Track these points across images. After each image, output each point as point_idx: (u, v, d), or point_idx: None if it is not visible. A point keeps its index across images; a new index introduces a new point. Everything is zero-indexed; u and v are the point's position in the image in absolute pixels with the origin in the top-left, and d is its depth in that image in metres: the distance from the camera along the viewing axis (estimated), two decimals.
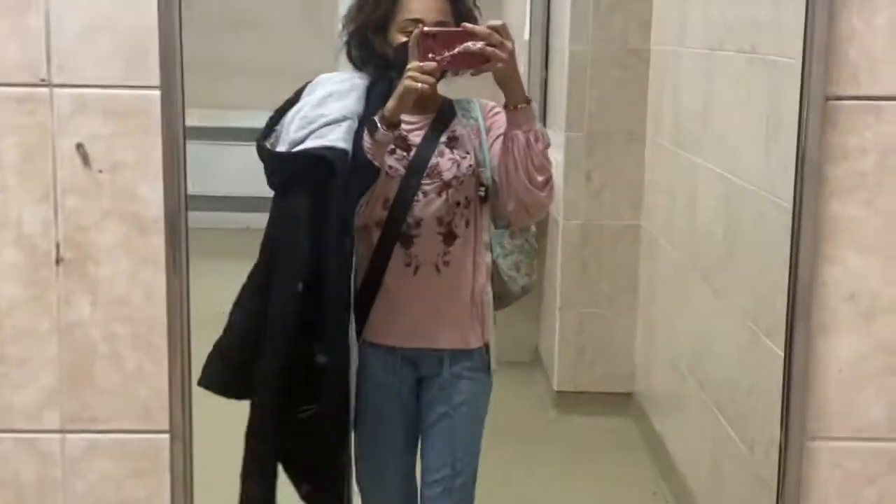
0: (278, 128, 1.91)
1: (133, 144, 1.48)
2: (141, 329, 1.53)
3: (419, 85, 1.78)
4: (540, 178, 1.87)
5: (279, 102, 1.98)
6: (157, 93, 1.46)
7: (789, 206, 2.22)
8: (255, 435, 1.87)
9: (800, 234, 1.52)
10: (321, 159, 1.80)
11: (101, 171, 1.48)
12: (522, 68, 3.01)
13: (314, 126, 1.84)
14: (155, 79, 1.46)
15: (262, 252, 1.91)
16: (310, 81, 1.95)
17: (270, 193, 1.92)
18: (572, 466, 3.33)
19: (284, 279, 1.84)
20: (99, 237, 1.50)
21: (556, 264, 3.78)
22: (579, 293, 3.71)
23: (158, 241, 1.50)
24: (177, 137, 1.47)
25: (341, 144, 1.80)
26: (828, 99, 1.48)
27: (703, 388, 2.88)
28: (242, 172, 2.30)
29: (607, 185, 3.67)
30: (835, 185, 1.51)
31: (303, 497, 1.91)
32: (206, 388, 1.84)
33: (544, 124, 3.94)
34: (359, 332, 1.94)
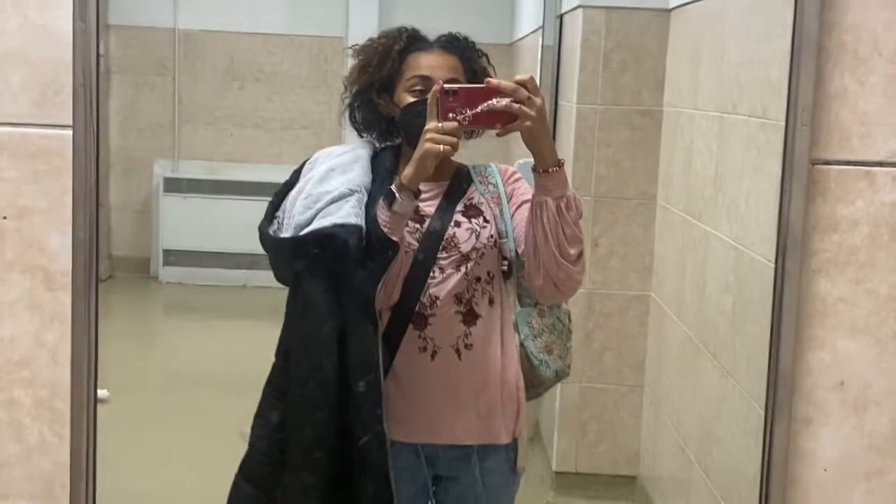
0: (279, 213, 1.79)
1: (43, 189, 1.41)
2: (43, 397, 1.44)
3: (441, 147, 1.62)
4: (572, 251, 1.72)
5: (282, 157, 1.88)
6: (68, 131, 1.40)
7: None
8: None
9: (781, 315, 1.43)
10: (332, 237, 1.66)
11: (4, 218, 1.41)
12: None
13: (320, 205, 1.71)
14: (68, 117, 1.39)
15: (277, 355, 1.78)
16: (307, 160, 1.83)
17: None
18: None
19: (308, 381, 1.71)
20: (0, 291, 1.43)
21: None
22: (583, 366, 3.61)
23: (66, 297, 1.42)
24: (90, 182, 1.40)
25: (353, 220, 1.67)
26: (814, 163, 1.42)
27: (709, 476, 2.77)
28: (242, 226, 2.19)
29: (615, 251, 3.59)
30: (820, 261, 1.45)
31: None
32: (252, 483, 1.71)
33: None
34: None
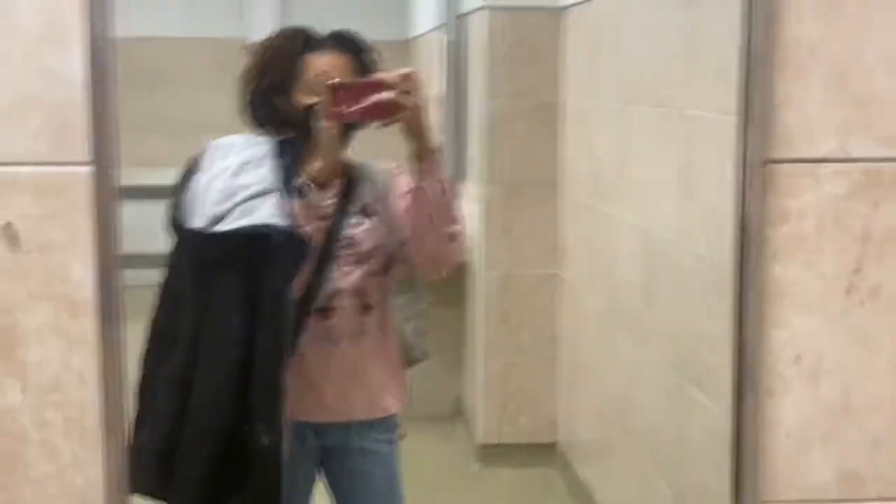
0: (187, 199, 1.80)
1: (63, 223, 1.42)
2: (74, 416, 1.45)
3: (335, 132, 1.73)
4: (450, 230, 1.82)
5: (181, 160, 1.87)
6: (87, 169, 1.40)
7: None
8: None
9: (742, 299, 1.50)
10: (263, 238, 1.69)
11: (31, 252, 1.42)
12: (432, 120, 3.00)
13: (237, 199, 1.73)
14: (84, 154, 1.40)
15: (171, 342, 1.76)
16: (203, 150, 1.84)
17: None
18: None
19: (214, 369, 1.72)
20: (27, 320, 1.43)
21: (476, 315, 3.75)
22: (502, 343, 3.68)
23: (90, 323, 1.43)
24: (110, 214, 1.41)
25: (279, 221, 1.70)
26: (765, 163, 1.48)
27: (630, 435, 2.86)
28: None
29: (526, 235, 3.67)
30: (775, 248, 1.51)
31: None
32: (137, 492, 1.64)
33: (463, 177, 3.95)
34: None
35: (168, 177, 1.92)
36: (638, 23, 2.84)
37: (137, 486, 1.63)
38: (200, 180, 1.78)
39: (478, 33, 3.73)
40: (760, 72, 1.45)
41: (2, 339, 1.42)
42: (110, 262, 1.42)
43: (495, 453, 3.68)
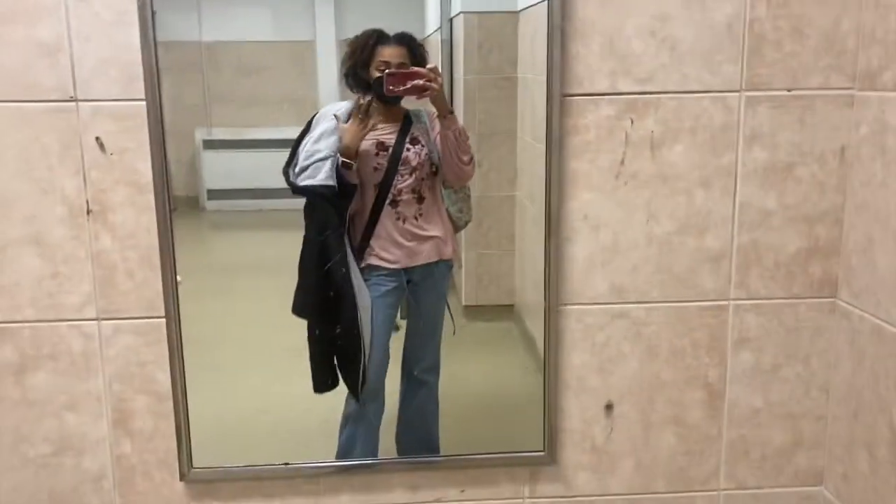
0: (298, 153, 1.90)
1: (132, 137, 1.50)
2: (144, 252, 1.55)
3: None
4: (465, 158, 1.98)
5: (280, 122, 1.99)
6: (143, 103, 1.48)
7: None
8: (309, 339, 1.90)
9: (550, 181, 1.61)
10: (322, 194, 1.84)
11: (112, 154, 1.51)
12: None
13: (312, 160, 1.85)
14: (141, 94, 1.48)
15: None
16: (316, 113, 1.94)
17: (273, 186, 1.92)
18: (476, 354, 3.40)
19: (310, 244, 1.87)
20: (114, 196, 1.53)
21: None
22: (477, 240, 3.77)
23: (150, 198, 1.53)
24: (158, 131, 1.50)
25: (330, 182, 1.84)
26: (564, 96, 1.57)
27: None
28: (256, 171, 2.32)
29: (493, 168, 3.73)
30: (571, 150, 1.60)
31: (343, 378, 1.94)
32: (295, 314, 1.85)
33: None
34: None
35: (262, 133, 2.05)
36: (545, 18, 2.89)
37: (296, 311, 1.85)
38: (305, 140, 1.90)
39: (459, 30, 3.79)
40: (559, 39, 1.54)
41: (99, 207, 1.53)
42: (161, 160, 1.52)
43: (475, 312, 3.75)
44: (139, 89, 1.49)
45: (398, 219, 2.02)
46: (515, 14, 3.61)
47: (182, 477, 1.65)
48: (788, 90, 1.56)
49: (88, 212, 1.54)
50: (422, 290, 2.15)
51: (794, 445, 1.73)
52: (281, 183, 1.93)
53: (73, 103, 1.48)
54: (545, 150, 1.60)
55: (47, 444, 1.64)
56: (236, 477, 1.66)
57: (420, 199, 2.06)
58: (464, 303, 3.81)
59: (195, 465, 1.64)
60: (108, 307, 1.57)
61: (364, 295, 1.99)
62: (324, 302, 1.92)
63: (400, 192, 2.01)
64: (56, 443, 1.64)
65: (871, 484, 1.62)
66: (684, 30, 1.52)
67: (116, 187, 1.53)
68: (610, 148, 1.58)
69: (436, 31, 4.98)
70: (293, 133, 1.95)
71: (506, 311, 3.81)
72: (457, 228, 2.22)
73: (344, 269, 1.94)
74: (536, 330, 3.39)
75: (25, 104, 1.47)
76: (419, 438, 2.01)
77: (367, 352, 1.96)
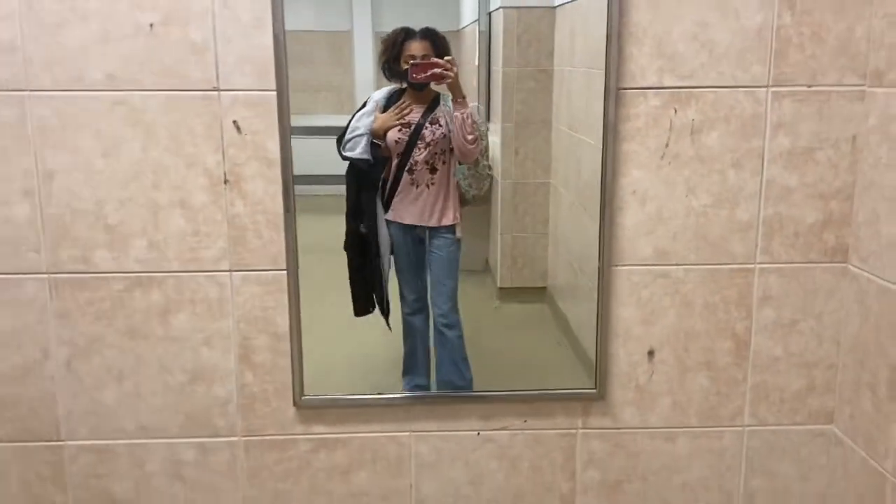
0: (348, 127, 2.12)
1: (263, 120, 1.65)
2: (270, 217, 1.70)
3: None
4: (470, 138, 2.15)
5: (318, 110, 2.15)
6: (273, 92, 1.63)
7: (594, 143, 2.38)
8: (349, 269, 2.12)
9: (606, 161, 1.71)
10: (358, 164, 2.07)
11: (246, 135, 1.65)
12: (473, 82, 3.33)
13: (353, 135, 2.06)
14: (272, 84, 1.63)
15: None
16: (370, 96, 2.17)
17: (334, 172, 2.12)
18: (510, 333, 3.58)
19: (350, 201, 2.10)
20: (247, 169, 1.68)
21: (497, 208, 4.04)
22: (512, 224, 3.93)
23: (277, 172, 1.69)
24: (285, 117, 1.65)
25: (366, 156, 2.07)
26: (619, 90, 1.68)
27: (582, 274, 3.19)
28: (317, 157, 2.34)
29: (528, 156, 3.88)
30: (624, 135, 1.72)
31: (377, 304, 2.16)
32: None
33: (489, 119, 4.20)
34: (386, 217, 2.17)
35: (308, 120, 2.16)
36: (586, 17, 3.12)
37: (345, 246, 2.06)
38: (355, 116, 2.10)
39: (498, 24, 4.01)
40: (617, 41, 1.66)
41: (234, 178, 1.67)
42: (287, 141, 1.67)
43: (509, 294, 3.75)
44: (269, 81, 1.64)
45: (412, 184, 2.26)
46: (552, 9, 3.86)
47: (295, 404, 1.81)
48: (808, 86, 1.68)
49: (226, 182, 1.67)
50: (433, 247, 2.37)
51: (808, 389, 1.86)
52: (319, 170, 2.12)
53: (215, 93, 1.63)
54: (601, 134, 1.70)
55: (184, 373, 1.79)
56: (340, 404, 1.84)
57: (433, 170, 2.27)
58: (499, 285, 4.01)
59: (306, 393, 1.83)
60: (238, 261, 1.71)
61: (384, 241, 2.23)
62: (359, 240, 2.18)
63: (416, 162, 2.24)
64: (191, 372, 1.78)
65: (874, 420, 1.83)
66: (721, 34, 1.64)
67: (249, 162, 1.66)
68: (656, 133, 1.69)
69: (472, 23, 5.16)
70: (332, 121, 2.07)
71: (538, 292, 4.02)
72: (463, 201, 2.41)
73: (373, 221, 2.22)
74: (569, 310, 3.65)
75: (178, 93, 1.62)
76: (448, 381, 2.23)
77: (385, 285, 2.20)
